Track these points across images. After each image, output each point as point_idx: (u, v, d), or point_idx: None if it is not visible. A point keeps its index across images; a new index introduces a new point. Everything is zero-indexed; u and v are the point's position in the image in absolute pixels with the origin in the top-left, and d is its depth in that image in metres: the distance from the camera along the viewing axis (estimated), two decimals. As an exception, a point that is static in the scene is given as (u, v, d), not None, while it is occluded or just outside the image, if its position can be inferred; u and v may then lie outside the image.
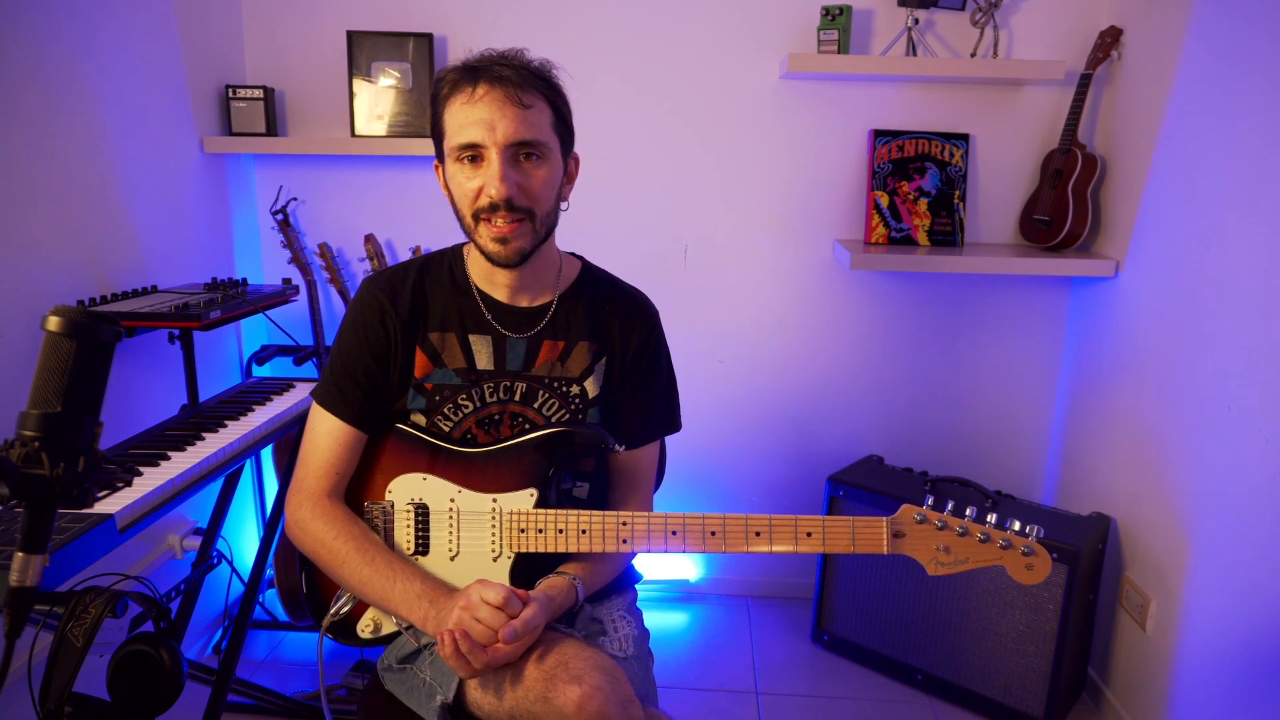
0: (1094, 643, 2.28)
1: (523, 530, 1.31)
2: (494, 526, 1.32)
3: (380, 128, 2.45)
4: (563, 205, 1.35)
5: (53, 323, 0.84)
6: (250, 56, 2.50)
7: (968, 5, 2.36)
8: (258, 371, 2.55)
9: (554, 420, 1.39)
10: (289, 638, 2.51)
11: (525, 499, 1.32)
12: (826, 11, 2.31)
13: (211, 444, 1.60)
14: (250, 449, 1.68)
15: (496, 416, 1.39)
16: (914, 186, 2.47)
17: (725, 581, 2.78)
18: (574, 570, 1.34)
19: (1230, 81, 1.82)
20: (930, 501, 1.27)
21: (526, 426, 1.39)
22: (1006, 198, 2.50)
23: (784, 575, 2.76)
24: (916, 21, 2.35)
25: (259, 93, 2.39)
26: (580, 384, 1.40)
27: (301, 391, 2.01)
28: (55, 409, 0.83)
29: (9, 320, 1.62)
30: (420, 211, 2.54)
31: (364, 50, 2.41)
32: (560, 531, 1.30)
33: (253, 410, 1.84)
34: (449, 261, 1.42)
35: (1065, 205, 2.31)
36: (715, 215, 2.54)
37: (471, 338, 1.38)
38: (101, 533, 1.22)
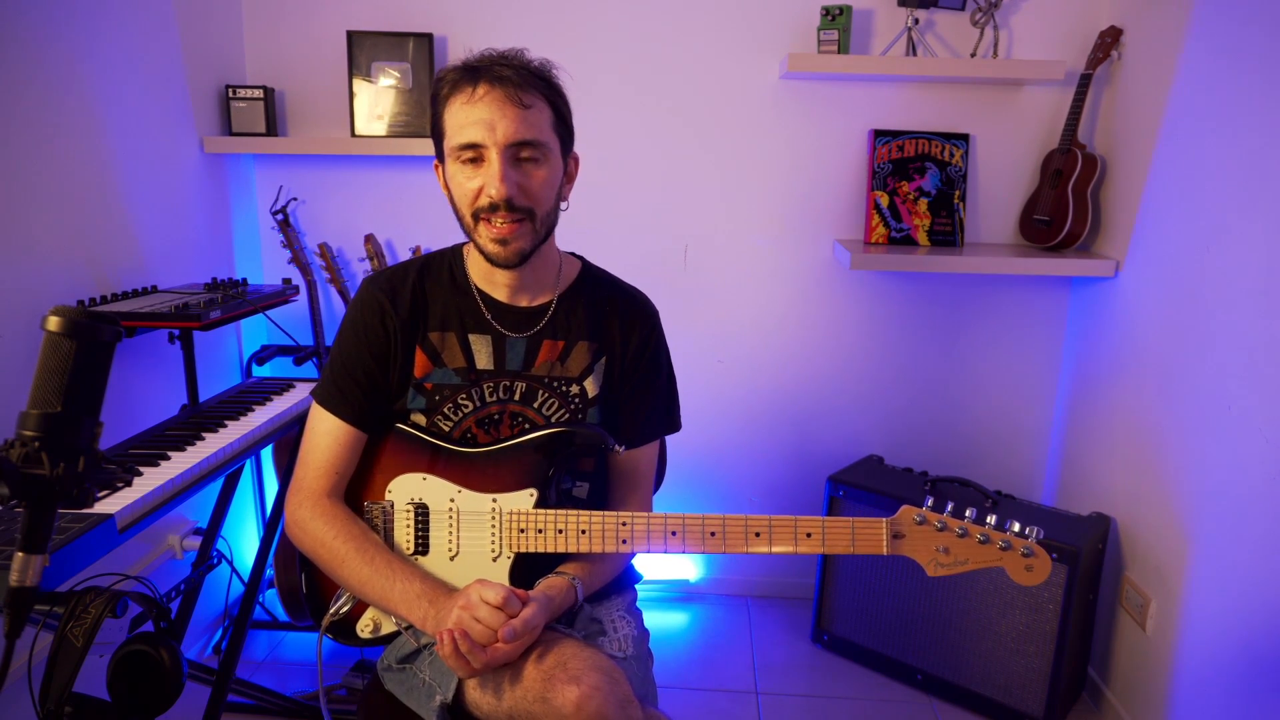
0: (1094, 643, 2.28)
1: (522, 530, 1.31)
2: (494, 526, 1.32)
3: (380, 128, 2.45)
4: (562, 205, 1.35)
5: (53, 323, 0.84)
6: (250, 56, 2.50)
7: (968, 5, 2.36)
8: (258, 371, 2.55)
9: (554, 420, 1.39)
10: (289, 638, 2.51)
11: (525, 499, 1.32)
12: (826, 11, 2.31)
13: (211, 444, 1.60)
14: (250, 449, 1.68)
15: (496, 416, 1.39)
16: (914, 186, 2.47)
17: (725, 581, 2.78)
18: (573, 570, 1.34)
19: (1230, 81, 1.82)
20: (930, 502, 1.27)
21: (526, 426, 1.39)
22: (1006, 198, 2.50)
23: (784, 575, 2.76)
24: (916, 21, 2.35)
25: (259, 93, 2.39)
26: (580, 384, 1.40)
27: (301, 391, 2.01)
28: (55, 409, 0.83)
29: (9, 320, 1.62)
30: (420, 211, 2.54)
31: (364, 50, 2.41)
32: (560, 531, 1.30)
33: (253, 410, 1.84)
34: (449, 261, 1.42)
35: (1065, 205, 2.31)
36: (715, 215, 2.54)
37: (471, 337, 1.38)
38: (101, 533, 1.22)
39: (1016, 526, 1.25)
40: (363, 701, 1.40)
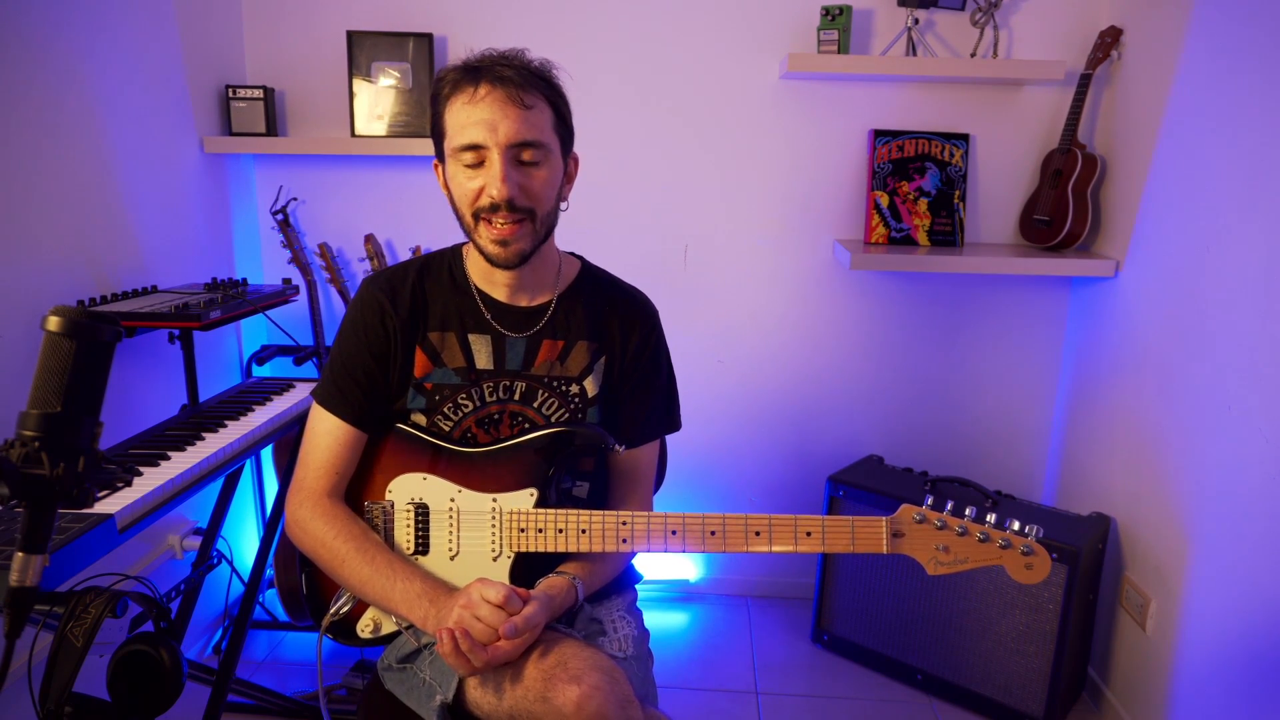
0: (1094, 643, 2.28)
1: (523, 530, 1.31)
2: (494, 526, 1.32)
3: (380, 128, 2.45)
4: (562, 206, 1.35)
5: (53, 323, 0.84)
6: (250, 56, 2.50)
7: (968, 5, 2.36)
8: (258, 371, 2.55)
9: (554, 420, 1.39)
10: (289, 638, 2.51)
11: (525, 499, 1.32)
12: (826, 11, 2.31)
13: (211, 444, 1.60)
14: (250, 449, 1.68)
15: (496, 416, 1.39)
16: (914, 186, 2.47)
17: (725, 581, 2.78)
18: (574, 570, 1.34)
19: (1230, 81, 1.82)
20: (930, 501, 1.27)
21: (526, 426, 1.39)
22: (1006, 198, 2.50)
23: (784, 575, 2.76)
24: (916, 21, 2.35)
25: (259, 93, 2.39)
26: (580, 383, 1.40)
27: (301, 391, 2.01)
28: (55, 409, 0.83)
29: (9, 320, 1.62)
30: (420, 211, 2.54)
31: (364, 50, 2.41)
32: (560, 531, 1.30)
33: (253, 410, 1.84)
34: (448, 261, 1.42)
35: (1065, 205, 2.31)
36: (715, 215, 2.54)
37: (471, 337, 1.38)
38: (101, 533, 1.22)
39: (1016, 525, 1.25)
40: (363, 701, 1.40)
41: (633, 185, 2.52)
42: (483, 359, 1.38)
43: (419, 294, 1.38)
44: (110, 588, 0.93)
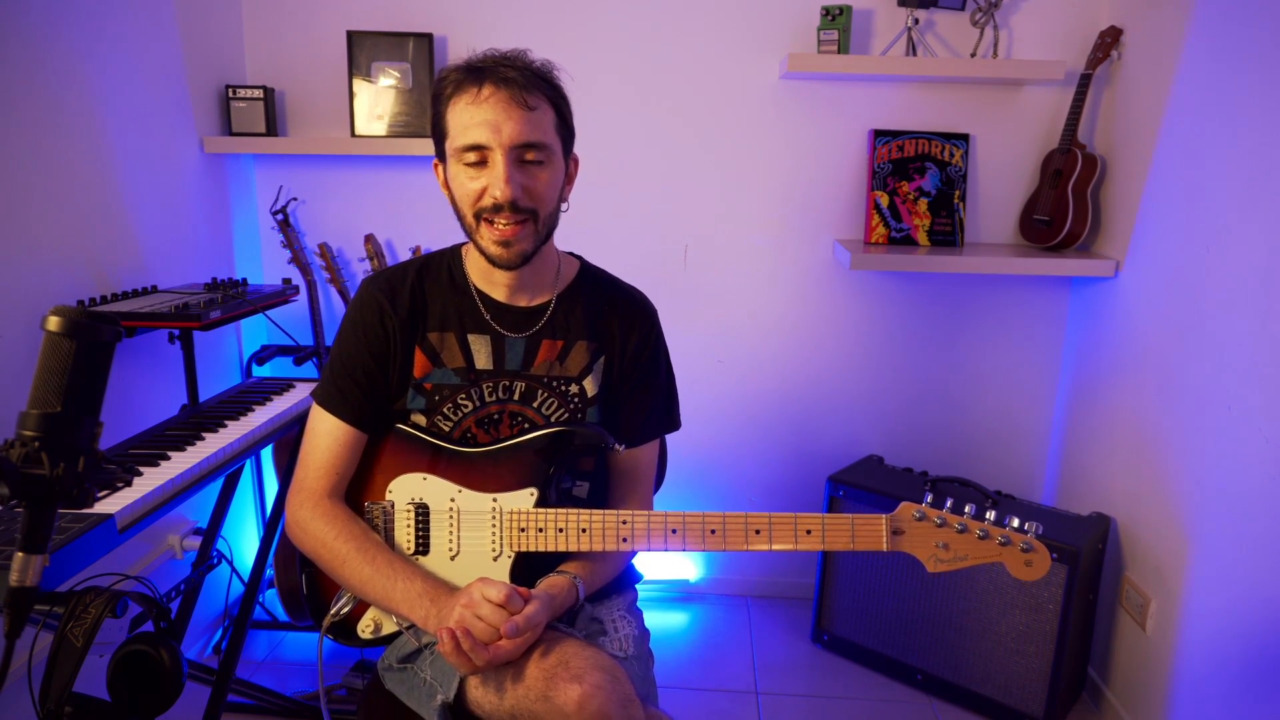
0: (1094, 643, 2.28)
1: (523, 529, 1.31)
2: (494, 526, 1.32)
3: (380, 128, 2.45)
4: (563, 206, 1.35)
5: (53, 323, 0.84)
6: (250, 56, 2.50)
7: (968, 5, 2.36)
8: (258, 371, 2.55)
9: (553, 419, 1.39)
10: (289, 638, 2.51)
11: (525, 498, 1.32)
12: (826, 11, 2.31)
13: (211, 444, 1.60)
14: (250, 449, 1.68)
15: (496, 416, 1.39)
16: (914, 186, 2.47)
17: (725, 581, 2.78)
18: (574, 569, 1.34)
19: (1230, 81, 1.82)
20: (929, 500, 1.27)
21: (526, 426, 1.39)
22: (1006, 198, 2.50)
23: (784, 575, 2.76)
24: (916, 21, 2.35)
25: (259, 93, 2.39)
26: (579, 383, 1.40)
27: (301, 391, 2.01)
28: (55, 409, 0.83)
29: (9, 320, 1.62)
30: (420, 211, 2.54)
31: (364, 50, 2.41)
32: (560, 531, 1.30)
33: (253, 410, 1.84)
34: (447, 261, 1.42)
35: (1065, 205, 2.31)
36: (715, 215, 2.54)
37: (470, 337, 1.38)
38: (101, 533, 1.22)
39: (1016, 522, 1.25)
40: (363, 701, 1.40)
41: (633, 185, 2.52)
42: (482, 359, 1.38)
43: (418, 294, 1.39)
44: (110, 588, 0.93)
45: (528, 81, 1.24)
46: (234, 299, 1.93)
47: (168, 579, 2.14)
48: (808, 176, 2.50)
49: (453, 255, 1.43)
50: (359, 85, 2.43)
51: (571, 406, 1.40)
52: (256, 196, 2.59)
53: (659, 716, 1.25)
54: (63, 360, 0.83)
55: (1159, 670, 1.98)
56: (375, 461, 1.38)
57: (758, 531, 1.28)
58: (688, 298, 2.57)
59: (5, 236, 1.63)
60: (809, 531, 1.28)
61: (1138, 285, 2.16)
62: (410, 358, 1.37)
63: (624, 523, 1.29)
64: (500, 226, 1.27)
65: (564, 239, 1.44)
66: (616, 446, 1.39)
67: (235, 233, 2.49)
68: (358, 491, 1.38)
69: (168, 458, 1.51)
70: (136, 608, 0.95)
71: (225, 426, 1.71)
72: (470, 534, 1.33)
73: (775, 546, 1.28)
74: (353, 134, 2.45)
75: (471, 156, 1.25)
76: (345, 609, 1.34)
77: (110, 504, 1.27)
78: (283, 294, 2.13)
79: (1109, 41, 2.25)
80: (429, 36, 2.41)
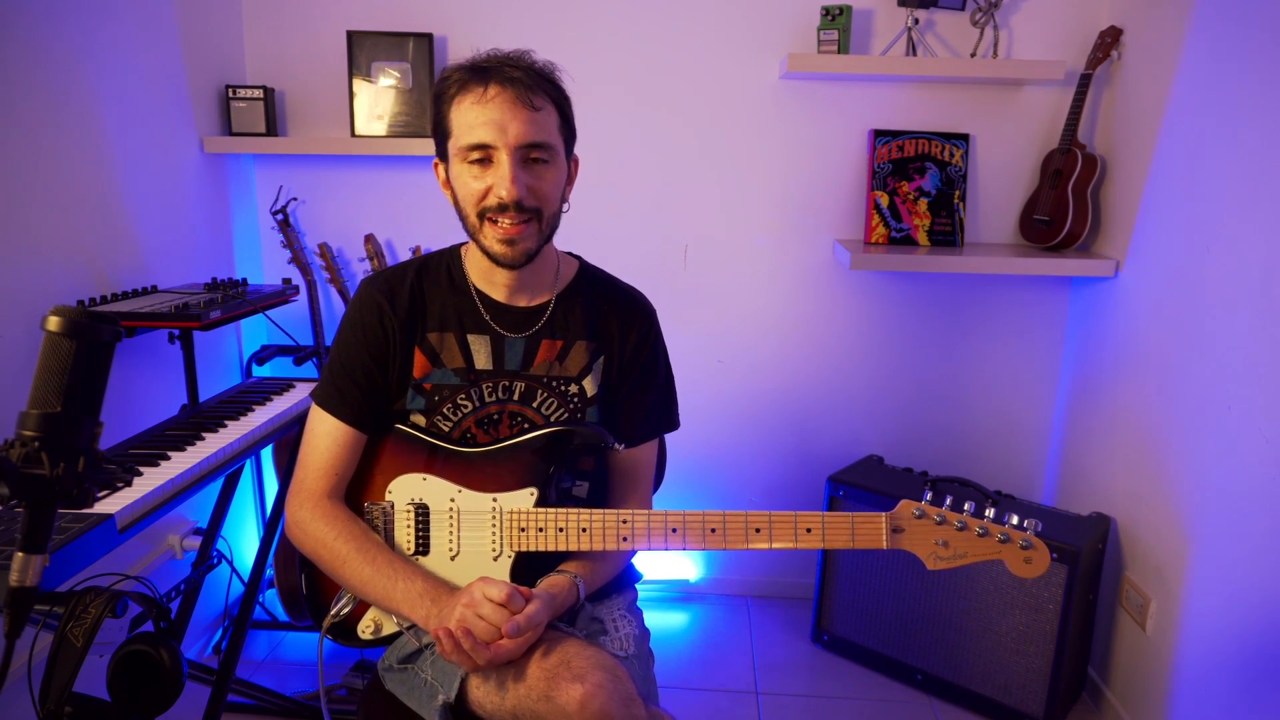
0: (1094, 643, 2.28)
1: (523, 529, 1.31)
2: (494, 526, 1.32)
3: (380, 128, 2.45)
4: (565, 206, 1.36)
5: (53, 323, 0.84)
6: (250, 56, 2.50)
7: (968, 5, 2.36)
8: (258, 371, 2.55)
9: (553, 419, 1.39)
10: (289, 638, 2.51)
11: (525, 498, 1.32)
12: (826, 11, 2.31)
13: (211, 444, 1.60)
14: (250, 449, 1.69)
15: (495, 416, 1.39)
16: (914, 186, 2.47)
17: (725, 581, 2.78)
18: (575, 569, 1.34)
19: (1230, 81, 1.82)
20: (929, 498, 1.28)
21: (525, 426, 1.39)
22: (1006, 198, 2.50)
23: (784, 575, 2.76)
24: (916, 21, 2.35)
25: (259, 93, 2.39)
26: (579, 383, 1.40)
27: (301, 391, 2.01)
28: (55, 409, 0.83)
29: (9, 320, 1.62)
30: (420, 211, 2.54)
31: (364, 50, 2.41)
32: (560, 530, 1.30)
33: (253, 410, 1.84)
34: (446, 262, 1.42)
35: (1065, 205, 2.31)
36: (715, 215, 2.54)
37: (470, 338, 1.38)
38: (101, 533, 1.22)
39: (1015, 519, 1.26)
40: (363, 701, 1.40)
41: (633, 185, 2.52)
42: (482, 359, 1.38)
43: (417, 295, 1.39)
44: (110, 588, 0.93)
45: (533, 82, 1.25)
46: (234, 299, 1.93)
47: (168, 579, 2.14)
48: (808, 176, 2.50)
49: (452, 255, 1.43)
50: (359, 85, 2.43)
51: (571, 406, 1.40)
52: (256, 196, 2.59)
53: (660, 715, 1.25)
54: (63, 360, 0.83)
55: (1159, 670, 1.98)
56: (375, 462, 1.38)
57: (758, 530, 1.28)
58: (688, 298, 2.57)
59: (5, 236, 1.63)
60: (809, 530, 1.28)
61: (1138, 285, 2.16)
62: (410, 358, 1.37)
63: (624, 522, 1.29)
64: (505, 226, 1.27)
65: (564, 239, 1.44)
66: (616, 446, 1.39)
67: (235, 233, 2.49)
68: (357, 492, 1.38)
69: (168, 458, 1.51)
70: (136, 608, 0.95)
71: (225, 426, 1.71)
72: (470, 534, 1.33)
73: (775, 545, 1.28)
74: (353, 134, 2.45)
75: (476, 155, 1.25)
76: (345, 609, 1.34)
77: (110, 504, 1.27)
78: (283, 294, 2.13)
79: (1109, 41, 2.25)
80: (429, 36, 2.41)
